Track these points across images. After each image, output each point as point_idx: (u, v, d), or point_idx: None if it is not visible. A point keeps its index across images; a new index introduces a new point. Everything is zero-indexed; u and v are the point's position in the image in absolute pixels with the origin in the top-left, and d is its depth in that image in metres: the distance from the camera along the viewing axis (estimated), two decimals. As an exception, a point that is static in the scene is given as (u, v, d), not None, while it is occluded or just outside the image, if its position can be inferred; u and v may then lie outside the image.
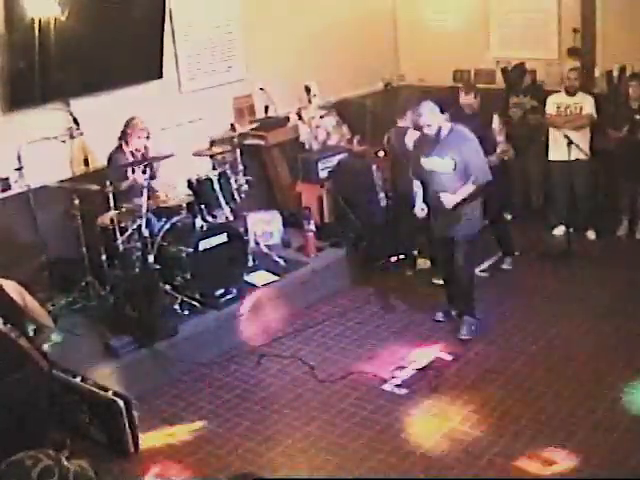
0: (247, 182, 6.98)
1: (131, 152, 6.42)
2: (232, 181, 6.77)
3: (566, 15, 8.15)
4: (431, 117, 5.65)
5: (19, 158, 6.27)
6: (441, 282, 6.41)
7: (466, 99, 7.01)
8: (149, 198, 6.15)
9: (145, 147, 6.52)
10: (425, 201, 5.93)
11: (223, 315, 6.17)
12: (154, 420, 5.22)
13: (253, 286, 6.53)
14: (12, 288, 3.99)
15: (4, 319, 3.81)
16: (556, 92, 7.55)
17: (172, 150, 6.55)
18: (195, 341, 5.92)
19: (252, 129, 7.80)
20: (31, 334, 4.09)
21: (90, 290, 6.27)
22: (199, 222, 6.27)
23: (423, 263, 7.27)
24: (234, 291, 6.33)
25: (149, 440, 4.99)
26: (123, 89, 6.78)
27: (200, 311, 6.13)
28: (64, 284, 6.39)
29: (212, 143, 7.42)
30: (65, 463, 2.22)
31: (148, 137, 6.48)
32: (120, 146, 6.43)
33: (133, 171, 6.35)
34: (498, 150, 6.97)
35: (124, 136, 6.41)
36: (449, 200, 5.67)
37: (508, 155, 7.04)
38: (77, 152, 6.67)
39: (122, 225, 6.14)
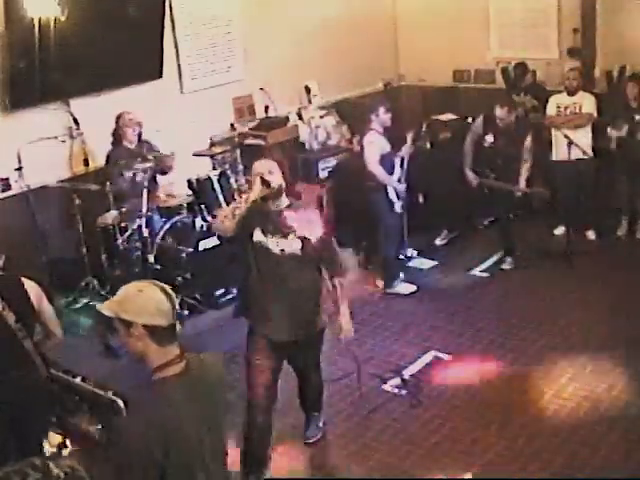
0: (247, 182, 6.99)
1: (128, 148, 6.44)
2: (232, 181, 6.78)
3: (566, 15, 8.16)
4: (277, 177, 4.15)
5: (19, 158, 6.27)
6: None
7: (501, 113, 6.94)
8: (149, 198, 6.16)
9: (144, 142, 6.54)
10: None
11: (223, 315, 6.18)
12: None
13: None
14: (32, 289, 4.02)
15: (16, 317, 3.83)
16: (557, 92, 7.55)
17: (173, 150, 6.58)
18: (195, 341, 5.92)
19: (252, 129, 7.82)
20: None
21: (90, 290, 6.27)
22: (199, 222, 6.27)
23: (420, 264, 7.33)
24: (234, 291, 6.33)
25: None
26: (123, 89, 6.79)
27: (200, 311, 6.12)
28: (64, 284, 6.39)
29: (212, 143, 7.43)
30: (55, 471, 2.17)
31: (140, 132, 6.51)
32: (116, 143, 6.45)
33: (130, 169, 6.34)
34: (523, 172, 6.98)
35: (117, 132, 6.44)
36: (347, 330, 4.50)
37: (543, 196, 7.07)
38: (77, 152, 6.68)
39: (122, 225, 6.15)
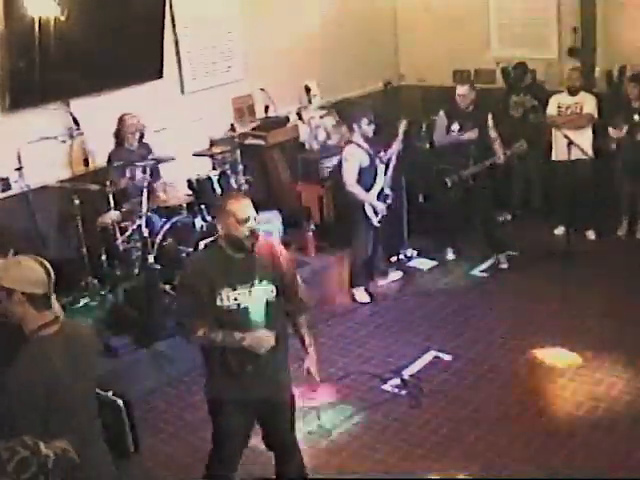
0: (247, 182, 6.99)
1: (129, 150, 6.45)
2: (232, 181, 6.78)
3: (566, 15, 8.15)
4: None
5: (19, 158, 6.27)
6: None
7: (461, 90, 7.06)
8: (149, 198, 6.16)
9: (145, 145, 6.56)
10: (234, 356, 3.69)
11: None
12: (154, 420, 5.23)
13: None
14: None
15: None
16: (558, 92, 7.55)
17: (172, 152, 6.57)
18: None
19: (252, 129, 7.82)
20: None
21: (90, 290, 6.27)
22: (199, 222, 6.27)
23: (420, 264, 7.35)
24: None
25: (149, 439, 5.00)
26: (123, 89, 6.78)
27: (200, 311, 6.11)
28: (64, 284, 6.37)
29: (212, 143, 7.43)
30: (44, 450, 2.20)
31: (142, 133, 6.52)
32: (118, 144, 6.48)
33: (132, 169, 6.35)
34: (497, 147, 7.01)
35: (119, 134, 6.46)
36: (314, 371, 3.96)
37: (523, 148, 7.07)
38: (77, 152, 6.68)
39: (122, 225, 6.15)
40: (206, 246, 3.93)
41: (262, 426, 3.99)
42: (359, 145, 6.56)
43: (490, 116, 7.10)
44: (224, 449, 3.91)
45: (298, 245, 7.26)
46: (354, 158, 6.55)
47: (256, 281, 3.65)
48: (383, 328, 6.32)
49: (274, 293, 3.71)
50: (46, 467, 2.18)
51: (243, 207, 3.62)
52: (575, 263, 6.99)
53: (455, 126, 7.13)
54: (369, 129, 6.56)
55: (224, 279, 3.60)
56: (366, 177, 6.59)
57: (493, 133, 7.10)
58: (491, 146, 7.06)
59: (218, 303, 3.60)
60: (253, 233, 3.60)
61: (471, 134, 7.03)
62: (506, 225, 8.10)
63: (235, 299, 3.62)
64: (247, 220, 3.58)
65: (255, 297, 3.66)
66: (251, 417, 3.88)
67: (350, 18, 8.74)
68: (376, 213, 6.68)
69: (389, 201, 6.80)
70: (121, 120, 6.46)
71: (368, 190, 6.61)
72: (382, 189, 6.70)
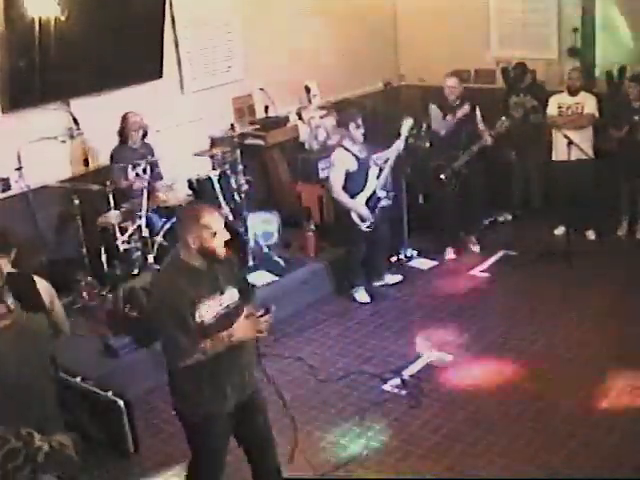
0: (247, 182, 6.99)
1: (132, 148, 6.46)
2: (232, 181, 6.78)
3: (566, 15, 8.16)
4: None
5: (19, 158, 6.28)
6: None
7: (450, 82, 7.25)
8: (149, 198, 6.17)
9: (147, 144, 6.57)
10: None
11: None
12: (154, 420, 5.23)
13: (253, 286, 6.52)
14: (44, 287, 4.04)
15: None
16: (558, 92, 7.55)
17: (172, 152, 6.58)
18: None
19: (252, 129, 7.82)
20: None
21: (90, 290, 6.27)
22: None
23: (420, 264, 7.35)
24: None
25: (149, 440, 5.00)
26: (123, 89, 6.79)
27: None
28: (64, 284, 6.38)
29: (212, 143, 7.43)
30: (37, 443, 2.21)
31: (145, 132, 6.53)
32: (121, 143, 6.48)
33: (134, 167, 6.35)
34: (485, 133, 7.21)
35: (123, 132, 6.47)
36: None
37: (505, 125, 7.20)
38: (77, 152, 6.68)
39: (122, 225, 6.16)
40: (168, 265, 3.75)
41: (240, 435, 3.92)
42: (347, 149, 6.56)
43: (477, 107, 7.30)
44: (216, 466, 3.86)
45: (298, 245, 7.28)
46: (341, 164, 6.55)
47: (223, 288, 3.64)
48: (383, 328, 6.32)
49: (237, 295, 3.72)
50: (35, 459, 2.19)
51: (216, 219, 3.58)
52: (575, 263, 7.00)
53: (449, 117, 7.26)
54: (358, 133, 6.55)
55: (199, 294, 3.54)
56: (354, 182, 6.58)
57: (481, 124, 7.29)
58: (480, 134, 7.24)
59: (197, 319, 3.54)
60: (225, 243, 3.60)
61: (464, 109, 7.20)
62: (506, 225, 8.12)
63: (210, 311, 3.59)
64: (220, 231, 3.57)
65: (224, 304, 3.64)
66: (232, 425, 3.83)
67: (350, 18, 8.74)
68: (362, 220, 6.64)
69: (383, 203, 6.77)
70: (124, 118, 6.46)
71: (356, 194, 6.60)
72: (374, 193, 6.67)
